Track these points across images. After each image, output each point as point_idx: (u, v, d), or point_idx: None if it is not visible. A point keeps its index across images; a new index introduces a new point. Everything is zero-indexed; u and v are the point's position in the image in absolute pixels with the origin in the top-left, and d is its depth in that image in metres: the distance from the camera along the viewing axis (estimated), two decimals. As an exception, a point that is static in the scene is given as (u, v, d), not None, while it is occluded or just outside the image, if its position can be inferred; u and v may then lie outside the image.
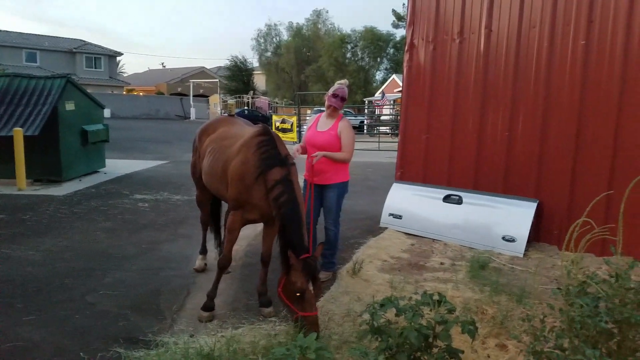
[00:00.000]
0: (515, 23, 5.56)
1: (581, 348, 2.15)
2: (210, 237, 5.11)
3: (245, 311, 4.02)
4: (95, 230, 6.29)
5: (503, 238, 5.39)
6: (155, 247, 5.70)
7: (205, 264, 4.99)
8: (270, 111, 30.93)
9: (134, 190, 9.04)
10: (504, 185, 5.80)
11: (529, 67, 5.50)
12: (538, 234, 5.58)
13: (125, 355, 3.20)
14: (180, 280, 4.68)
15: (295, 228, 3.48)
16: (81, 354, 3.23)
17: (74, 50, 42.67)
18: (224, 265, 3.92)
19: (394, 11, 44.62)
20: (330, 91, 4.60)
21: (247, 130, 4.13)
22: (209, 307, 3.86)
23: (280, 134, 18.82)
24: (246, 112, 31.81)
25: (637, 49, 4.69)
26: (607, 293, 2.34)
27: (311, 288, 3.29)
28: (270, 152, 3.64)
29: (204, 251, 5.06)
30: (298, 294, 3.26)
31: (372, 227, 6.46)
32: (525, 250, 5.25)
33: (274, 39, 49.15)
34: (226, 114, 17.82)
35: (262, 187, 3.58)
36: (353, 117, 29.05)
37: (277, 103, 38.60)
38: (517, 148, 5.68)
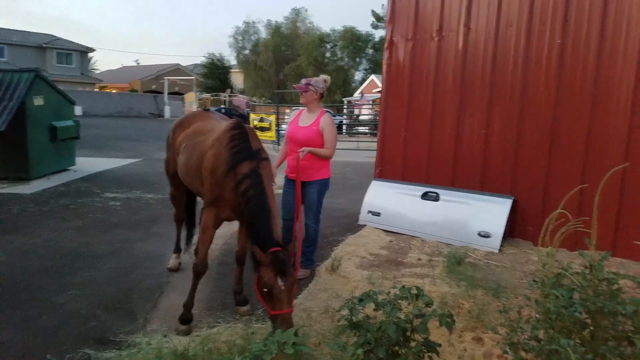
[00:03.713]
0: (493, 21, 5.60)
1: (556, 338, 2.16)
2: (184, 235, 5.01)
3: (221, 310, 3.95)
4: (65, 229, 6.11)
5: (479, 234, 5.44)
6: (128, 246, 5.56)
7: (180, 263, 4.89)
8: (248, 110, 30.71)
9: (105, 188, 8.83)
10: (480, 182, 5.85)
11: (506, 66, 5.56)
12: (513, 230, 5.65)
13: (95, 356, 3.11)
14: (154, 280, 4.57)
15: (264, 221, 3.31)
16: (48, 355, 3.12)
17: (44, 45, 41.53)
18: (200, 271, 3.70)
19: (373, 12, 44.90)
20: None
21: (221, 124, 4.04)
22: (186, 318, 3.61)
23: (259, 133, 18.69)
24: (223, 110, 31.50)
25: (610, 49, 4.78)
26: (581, 284, 2.36)
27: (281, 283, 3.04)
28: (240, 145, 3.54)
29: (178, 250, 4.96)
30: (266, 290, 3.04)
31: (351, 225, 6.45)
32: (500, 246, 5.30)
33: (252, 37, 48.74)
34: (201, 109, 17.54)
35: (233, 182, 3.47)
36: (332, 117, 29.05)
37: (255, 102, 38.37)
38: (493, 145, 5.73)
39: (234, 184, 3.45)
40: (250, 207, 3.36)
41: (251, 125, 19.13)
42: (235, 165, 3.47)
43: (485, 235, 5.40)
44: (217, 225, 3.73)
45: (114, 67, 62.77)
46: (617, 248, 4.64)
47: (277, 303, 3.00)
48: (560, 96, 5.14)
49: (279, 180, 4.98)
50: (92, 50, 46.51)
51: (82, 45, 44.47)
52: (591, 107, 4.93)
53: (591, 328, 2.25)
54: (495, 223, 5.40)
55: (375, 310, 2.49)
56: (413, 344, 2.44)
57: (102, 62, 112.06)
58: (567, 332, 2.26)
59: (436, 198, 5.94)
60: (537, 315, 2.47)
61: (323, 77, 4.73)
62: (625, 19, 4.65)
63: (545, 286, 2.47)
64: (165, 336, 3.44)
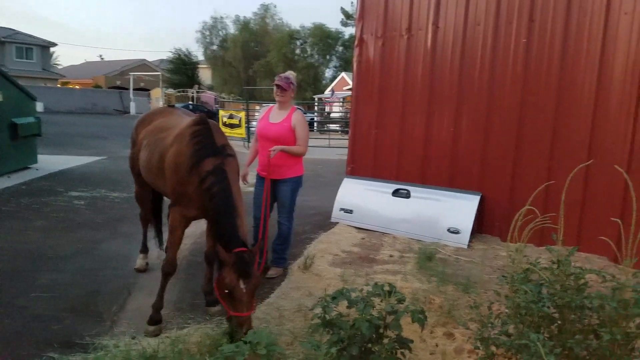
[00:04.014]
0: (461, 20, 5.68)
1: (526, 333, 2.21)
2: (151, 235, 4.90)
3: (190, 311, 3.88)
4: (27, 230, 5.88)
5: (448, 230, 5.51)
6: (93, 247, 5.41)
7: (147, 264, 4.78)
8: (217, 106, 30.28)
9: (69, 187, 8.56)
10: (449, 179, 5.93)
11: (473, 64, 5.64)
12: (481, 226, 5.75)
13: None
14: (120, 281, 4.45)
15: (228, 219, 3.21)
16: (11, 360, 2.99)
17: (3, 39, 39.89)
18: (168, 272, 3.61)
19: (342, 9, 44.86)
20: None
21: (184, 120, 3.92)
22: (155, 320, 3.53)
23: (228, 130, 18.39)
24: (191, 107, 30.95)
25: (574, 48, 4.91)
26: (549, 279, 2.41)
27: (243, 286, 2.95)
28: (204, 142, 3.42)
29: (144, 250, 4.84)
30: (227, 291, 2.96)
31: (324, 222, 6.44)
32: (469, 242, 5.39)
33: (220, 32, 48.10)
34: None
35: (196, 179, 3.35)
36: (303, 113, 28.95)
37: (224, 98, 37.89)
38: (461, 143, 5.82)
39: (198, 181, 3.33)
40: (214, 204, 3.26)
41: (220, 122, 18.90)
42: (198, 162, 3.36)
43: (454, 232, 5.48)
44: (184, 224, 3.62)
45: (77, 63, 61.04)
46: (581, 243, 4.78)
47: (238, 305, 2.94)
48: (526, 95, 5.26)
49: (251, 178, 4.92)
50: (53, 45, 45.02)
51: (43, 40, 42.96)
52: (556, 106, 5.05)
53: (559, 322, 2.31)
54: (464, 219, 5.49)
55: (348, 307, 2.49)
56: (386, 340, 2.45)
57: (65, 57, 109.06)
58: (536, 327, 2.31)
59: (407, 195, 6.00)
60: (507, 311, 2.52)
61: (292, 73, 4.70)
62: (587, 20, 4.78)
63: (514, 282, 2.52)
64: (133, 338, 3.35)
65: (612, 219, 4.23)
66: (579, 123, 4.90)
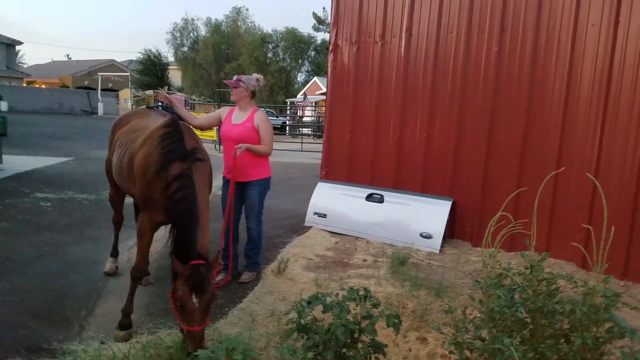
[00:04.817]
0: (434, 28, 5.76)
1: (500, 337, 2.24)
2: (122, 238, 4.79)
3: (162, 316, 3.80)
4: (-10, 232, 5.67)
5: (421, 235, 5.57)
6: (60, 250, 5.24)
7: (117, 267, 4.68)
8: (187, 108, 29.84)
9: (35, 188, 8.27)
10: (422, 184, 5.99)
11: (446, 71, 5.73)
12: (453, 230, 5.83)
13: (27, 366, 2.90)
14: (89, 285, 4.34)
15: (189, 230, 3.09)
16: (-28, 369, 2.87)
17: (-35, 36, 38.52)
18: (136, 276, 3.54)
19: (314, 14, 45.06)
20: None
21: (157, 122, 3.82)
22: (125, 324, 3.45)
23: (199, 132, 18.16)
24: (160, 109, 30.40)
25: (544, 57, 5.03)
26: (522, 284, 2.46)
27: (196, 300, 2.87)
28: (172, 145, 3.32)
29: (115, 254, 4.74)
30: (178, 304, 2.89)
31: (297, 226, 6.41)
32: (441, 247, 5.46)
33: (191, 34, 47.57)
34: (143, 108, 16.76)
35: (162, 184, 3.25)
36: (275, 118, 28.87)
37: (194, 100, 37.43)
38: (434, 149, 5.89)
39: (164, 185, 3.24)
40: (176, 212, 3.16)
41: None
42: (165, 166, 3.26)
43: (427, 236, 5.54)
44: (152, 229, 3.54)
45: (44, 62, 59.29)
46: (551, 249, 4.88)
47: (189, 319, 2.88)
48: (497, 102, 5.36)
49: (218, 182, 4.87)
50: (19, 43, 43.55)
51: (7, 38, 41.50)
52: (526, 115, 5.17)
53: (531, 327, 2.35)
54: (436, 224, 5.56)
55: (323, 312, 2.48)
56: (360, 345, 2.46)
57: (31, 56, 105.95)
58: (509, 331, 2.34)
59: (381, 200, 6.04)
60: (481, 315, 2.56)
61: (256, 75, 4.65)
62: (557, 31, 4.92)
63: (487, 286, 2.56)
64: (103, 343, 3.28)
65: (584, 225, 4.37)
66: (548, 130, 5.02)
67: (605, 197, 2.35)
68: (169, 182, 3.21)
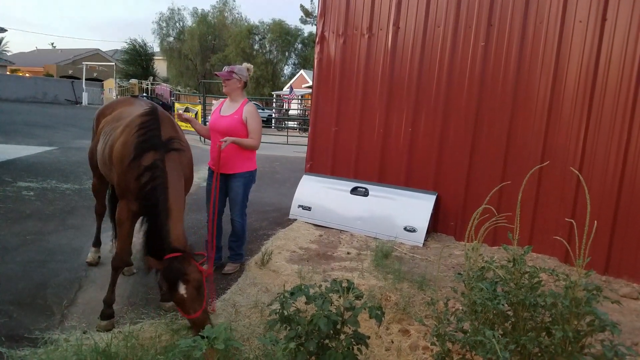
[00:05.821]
0: (422, 21, 5.76)
1: (481, 330, 2.26)
2: (105, 228, 4.73)
3: (144, 306, 3.77)
4: (-33, 221, 5.55)
5: (405, 228, 5.60)
6: (41, 238, 5.16)
7: (99, 257, 4.62)
8: (172, 99, 29.55)
9: (17, 177, 8.12)
10: (406, 178, 6.02)
11: (432, 65, 5.74)
12: (436, 224, 5.88)
13: (8, 354, 2.85)
14: (70, 274, 4.27)
15: (160, 222, 3.05)
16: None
17: (-55, 21, 37.48)
18: (117, 265, 3.51)
19: (302, 7, 44.85)
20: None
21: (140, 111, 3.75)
22: (107, 314, 3.41)
23: (183, 124, 17.92)
24: (145, 98, 30.01)
25: (530, 53, 5.07)
26: (504, 277, 2.48)
27: (183, 292, 2.87)
28: (148, 134, 3.27)
29: (97, 243, 4.67)
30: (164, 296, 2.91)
31: (281, 219, 6.40)
32: (424, 240, 5.50)
33: (177, 24, 46.95)
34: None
35: (136, 174, 3.21)
36: (261, 110, 28.73)
37: (179, 91, 37.03)
38: (419, 143, 5.91)
39: (136, 175, 3.20)
40: (147, 203, 3.13)
41: (175, 116, 18.39)
42: (138, 156, 3.22)
43: (410, 230, 5.57)
44: (131, 218, 3.46)
45: (27, 50, 58.07)
46: (533, 243, 4.96)
47: (184, 309, 2.92)
48: (483, 97, 5.39)
49: (203, 173, 4.82)
50: (2, 30, 42.55)
51: (-10, 25, 40.62)
52: (511, 110, 5.21)
53: (513, 319, 2.37)
54: (420, 218, 5.60)
55: (306, 303, 2.48)
56: (343, 336, 2.46)
57: (14, 44, 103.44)
58: (490, 324, 2.36)
59: (365, 193, 6.05)
60: (463, 308, 2.58)
61: (246, 65, 4.60)
62: (544, 26, 4.96)
63: (470, 279, 2.57)
64: (85, 332, 3.24)
65: (567, 219, 4.43)
66: (533, 125, 5.07)
67: (589, 193, 2.37)
68: (140, 173, 3.17)
